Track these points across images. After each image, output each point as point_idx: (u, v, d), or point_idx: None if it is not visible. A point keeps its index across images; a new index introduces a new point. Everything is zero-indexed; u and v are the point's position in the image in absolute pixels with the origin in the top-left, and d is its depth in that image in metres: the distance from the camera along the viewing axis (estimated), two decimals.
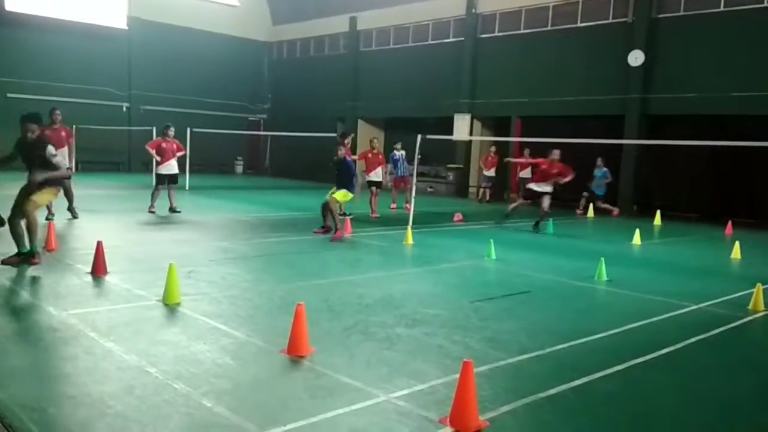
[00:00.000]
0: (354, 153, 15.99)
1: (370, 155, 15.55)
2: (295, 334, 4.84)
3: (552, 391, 4.31)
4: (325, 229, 11.38)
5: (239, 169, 31.91)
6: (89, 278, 7.06)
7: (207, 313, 5.87)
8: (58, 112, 11.87)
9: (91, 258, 7.33)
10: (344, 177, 11.52)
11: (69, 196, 11.86)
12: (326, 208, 11.21)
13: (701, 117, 18.16)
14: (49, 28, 25.56)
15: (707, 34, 17.92)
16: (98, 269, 7.21)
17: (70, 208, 11.87)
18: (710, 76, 17.68)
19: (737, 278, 9.24)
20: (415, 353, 5.00)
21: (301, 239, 10.91)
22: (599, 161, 18.19)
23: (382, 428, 3.64)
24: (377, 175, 15.43)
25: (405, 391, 4.18)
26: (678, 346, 5.58)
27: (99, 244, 7.31)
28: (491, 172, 21.12)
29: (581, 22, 20.75)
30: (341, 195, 11.36)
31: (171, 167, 13.65)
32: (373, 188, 15.20)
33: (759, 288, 7.18)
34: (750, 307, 7.09)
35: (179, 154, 13.99)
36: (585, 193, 18.21)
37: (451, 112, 23.59)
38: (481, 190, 21.91)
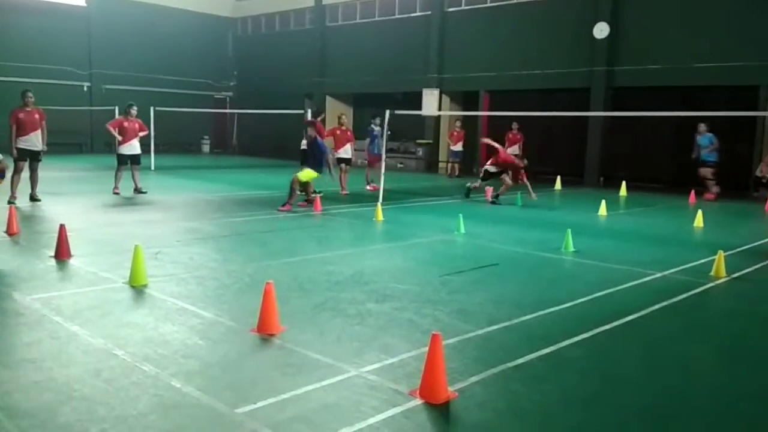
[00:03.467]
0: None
1: (338, 132, 15.42)
2: (264, 312, 4.82)
3: (520, 361, 4.38)
4: (287, 207, 11.63)
5: (206, 148, 31.47)
6: (53, 262, 6.93)
7: (175, 294, 5.81)
8: (30, 94, 11.50)
9: (55, 241, 7.19)
10: (312, 157, 12.13)
11: (33, 179, 11.62)
12: (291, 184, 11.83)
13: (666, 88, 18.41)
14: (4, 7, 24.70)
15: (671, 7, 18.09)
16: (62, 253, 7.07)
17: (32, 194, 11.61)
18: (674, 48, 17.89)
19: (700, 246, 9.45)
20: (386, 328, 5.03)
21: (269, 218, 10.83)
22: (702, 127, 15.85)
23: (352, 402, 3.66)
24: (346, 152, 15.34)
25: (375, 366, 4.20)
26: (642, 312, 5.71)
27: (62, 227, 7.16)
28: (458, 147, 21.16)
29: None
30: (304, 175, 11.92)
31: (133, 147, 13.37)
32: (343, 165, 15.11)
33: (720, 255, 7.36)
34: (712, 273, 7.26)
35: (142, 134, 13.68)
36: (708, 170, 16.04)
37: (420, 87, 23.48)
38: (450, 165, 21.97)
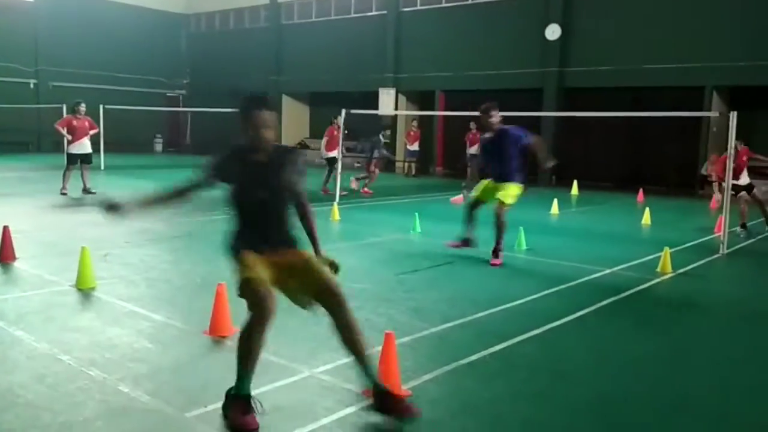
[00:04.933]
0: (281, 131, 15.31)
1: (335, 132, 15.33)
2: (216, 314, 4.76)
3: (473, 358, 4.43)
4: (466, 243, 8.11)
5: (158, 147, 30.84)
6: None
7: (123, 296, 5.68)
8: None
9: None
10: (510, 158, 7.74)
11: None
12: (497, 217, 7.81)
13: (616, 89, 18.87)
14: None
15: (621, 9, 18.55)
16: (5, 255, 6.85)
17: None
18: (624, 50, 18.35)
19: (647, 243, 9.72)
20: None
21: (224, 217, 10.67)
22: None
23: (305, 403, 3.65)
24: (338, 152, 15.34)
25: (329, 366, 4.19)
26: (591, 308, 5.84)
27: (5, 229, 6.93)
28: (415, 147, 21.27)
29: None
30: (511, 194, 7.76)
31: (83, 146, 13.04)
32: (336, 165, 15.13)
33: (666, 251, 7.58)
34: (658, 269, 7.48)
35: (92, 132, 13.38)
36: None
37: (376, 86, 23.54)
38: (406, 164, 22.06)
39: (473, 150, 20.10)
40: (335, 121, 15.13)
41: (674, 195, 16.90)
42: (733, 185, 9.43)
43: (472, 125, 19.83)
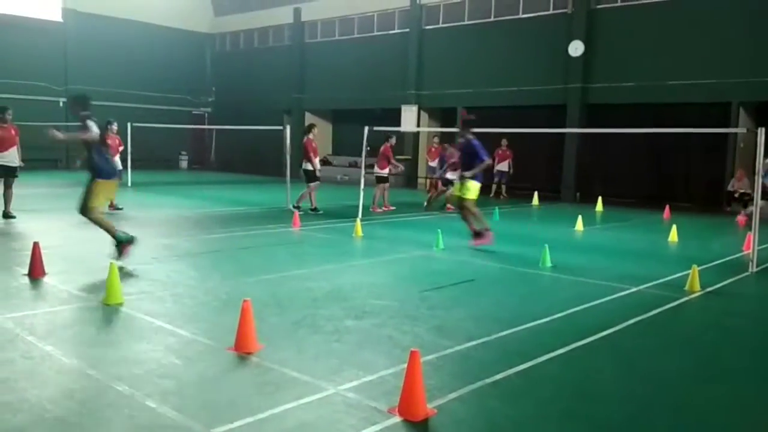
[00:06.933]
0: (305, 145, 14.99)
1: (389, 150, 15.38)
2: (241, 330, 4.79)
3: (498, 377, 4.39)
4: (478, 234, 10.05)
5: (184, 164, 31.27)
6: (26, 280, 6.82)
7: (150, 312, 5.74)
8: (9, 111, 11.66)
9: (28, 259, 7.08)
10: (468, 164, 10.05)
11: (7, 196, 11.54)
12: (463, 210, 10.09)
13: (639, 105, 18.74)
14: None
15: (643, 25, 18.48)
16: (35, 271, 6.97)
17: (6, 211, 11.47)
18: (647, 66, 18.24)
19: (674, 260, 9.58)
20: (364, 345, 5.02)
21: (247, 234, 10.77)
22: None
23: (330, 420, 3.64)
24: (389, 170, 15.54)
25: (354, 383, 4.19)
26: (618, 327, 5.76)
27: (35, 245, 7.06)
28: (435, 163, 21.25)
29: (523, 13, 21.09)
30: (472, 190, 10.00)
31: (115, 164, 13.29)
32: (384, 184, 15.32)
33: (695, 269, 7.47)
34: (686, 287, 7.36)
35: (120, 149, 13.80)
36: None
37: (399, 103, 23.67)
38: (429, 180, 22.02)
39: (501, 166, 19.99)
40: (389, 139, 15.26)
41: (701, 212, 16.65)
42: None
43: (504, 142, 19.73)
